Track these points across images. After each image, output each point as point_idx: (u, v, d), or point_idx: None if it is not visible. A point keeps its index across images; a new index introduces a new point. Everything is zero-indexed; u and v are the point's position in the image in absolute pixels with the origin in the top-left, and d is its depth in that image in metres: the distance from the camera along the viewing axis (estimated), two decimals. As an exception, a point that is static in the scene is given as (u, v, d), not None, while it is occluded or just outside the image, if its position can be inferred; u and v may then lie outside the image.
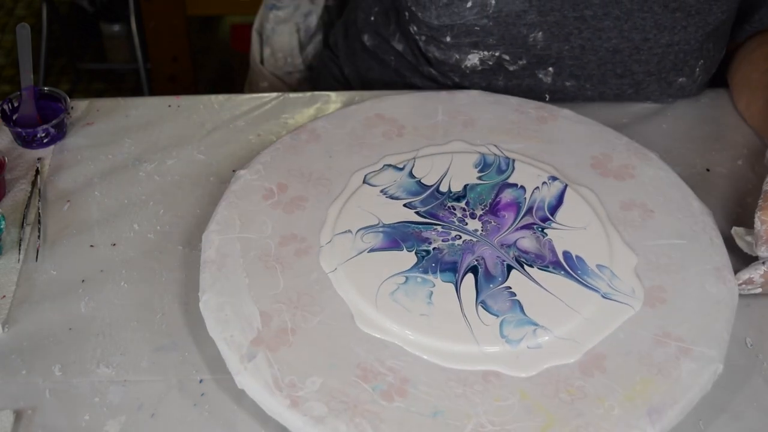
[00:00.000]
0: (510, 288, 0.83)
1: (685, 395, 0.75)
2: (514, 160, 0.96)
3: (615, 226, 0.90)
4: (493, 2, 1.00)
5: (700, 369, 0.77)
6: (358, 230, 0.88)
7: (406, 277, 0.84)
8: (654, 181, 0.95)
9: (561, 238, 0.88)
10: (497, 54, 1.06)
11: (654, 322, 0.81)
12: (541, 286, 0.83)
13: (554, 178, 0.94)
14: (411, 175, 0.94)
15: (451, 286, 0.83)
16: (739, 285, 0.85)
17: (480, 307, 0.81)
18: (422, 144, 0.99)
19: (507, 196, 0.92)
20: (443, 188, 0.93)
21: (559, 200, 0.92)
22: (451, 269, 0.84)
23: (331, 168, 0.96)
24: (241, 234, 0.88)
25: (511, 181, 0.94)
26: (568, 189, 0.93)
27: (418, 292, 0.82)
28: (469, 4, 1.01)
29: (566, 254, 0.86)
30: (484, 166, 0.96)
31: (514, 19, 1.01)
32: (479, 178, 0.94)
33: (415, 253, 0.86)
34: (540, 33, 1.02)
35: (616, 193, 0.93)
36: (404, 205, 0.91)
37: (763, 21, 1.09)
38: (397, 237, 0.87)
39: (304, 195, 0.92)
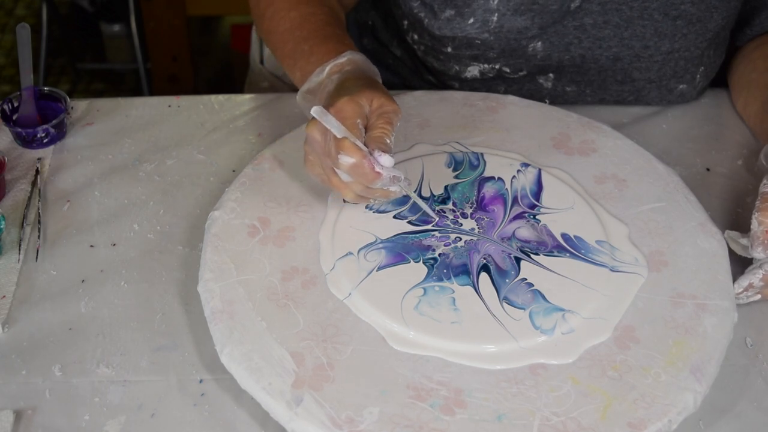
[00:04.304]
0: (525, 279, 0.84)
1: (717, 348, 0.79)
2: (482, 154, 0.97)
3: (597, 200, 0.93)
4: (495, 18, 1.00)
5: (721, 321, 0.81)
6: (360, 250, 0.86)
7: (424, 289, 0.83)
8: (616, 151, 0.99)
9: (554, 221, 0.90)
10: (497, 66, 1.05)
11: (664, 285, 0.85)
12: (553, 272, 0.85)
13: (526, 165, 0.96)
14: (389, 185, 0.93)
15: (470, 289, 0.83)
16: (740, 293, 0.85)
17: (505, 304, 0.82)
18: (387, 153, 0.98)
19: (489, 190, 0.93)
20: (425, 193, 0.93)
21: (539, 185, 0.94)
22: (463, 272, 0.84)
23: (306, 192, 0.93)
24: (240, 277, 0.84)
25: (487, 174, 0.95)
26: (542, 173, 0.95)
27: (440, 300, 0.82)
28: (471, 20, 1.00)
29: (565, 236, 0.88)
30: (455, 164, 0.96)
31: (516, 35, 1.01)
32: (456, 176, 0.95)
33: (423, 262, 0.85)
34: (539, 43, 1.02)
35: (586, 169, 0.96)
36: (394, 217, 0.90)
37: (764, 25, 1.09)
38: (399, 250, 0.86)
39: (289, 225, 0.90)
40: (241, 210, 0.91)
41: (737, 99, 1.10)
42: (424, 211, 0.90)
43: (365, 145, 0.81)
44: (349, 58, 0.91)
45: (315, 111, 0.80)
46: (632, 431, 0.73)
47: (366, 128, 0.83)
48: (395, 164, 0.82)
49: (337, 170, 0.82)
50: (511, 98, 1.06)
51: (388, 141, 0.82)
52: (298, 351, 0.78)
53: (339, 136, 0.80)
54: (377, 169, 0.80)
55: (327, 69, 0.91)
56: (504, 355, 0.78)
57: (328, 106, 0.83)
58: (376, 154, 0.81)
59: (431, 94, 1.06)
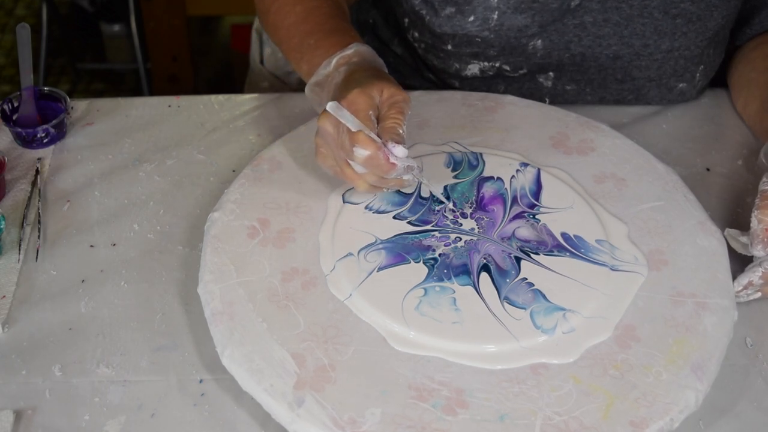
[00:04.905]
0: (526, 279, 0.84)
1: (717, 347, 0.79)
2: (481, 154, 0.97)
3: (596, 199, 0.93)
4: (495, 16, 1.00)
5: (721, 320, 0.81)
6: (360, 251, 0.86)
7: (425, 289, 0.83)
8: (614, 150, 0.99)
9: (554, 221, 0.90)
10: (497, 65, 1.06)
11: (664, 284, 0.85)
12: (553, 271, 0.85)
13: (525, 164, 0.96)
14: (388, 186, 0.93)
15: (471, 289, 0.83)
16: (740, 291, 0.85)
17: (506, 303, 0.82)
18: (386, 153, 0.98)
19: (488, 189, 0.93)
20: (425, 193, 0.92)
21: (538, 185, 0.94)
22: (464, 272, 0.84)
23: (305, 193, 0.93)
24: (240, 279, 0.84)
25: (486, 174, 0.95)
26: (541, 172, 0.95)
27: (441, 301, 0.82)
28: (472, 18, 1.00)
29: (565, 235, 0.88)
30: (455, 164, 0.96)
31: (516, 33, 1.01)
32: (455, 176, 0.95)
33: (423, 263, 0.85)
34: (539, 41, 1.02)
35: (585, 169, 0.96)
36: (394, 217, 0.90)
37: (763, 24, 1.09)
38: (399, 251, 0.86)
39: (289, 226, 0.89)
40: (241, 211, 0.90)
41: (737, 98, 1.10)
42: (424, 212, 0.90)
43: (378, 136, 0.82)
44: (355, 50, 0.91)
45: (330, 106, 0.81)
46: (634, 430, 0.73)
47: (377, 118, 0.84)
48: None
49: (350, 162, 0.83)
50: (509, 98, 1.06)
51: (401, 131, 0.83)
52: (299, 352, 0.78)
53: (354, 130, 0.81)
54: (392, 160, 0.81)
55: (334, 61, 0.91)
56: (505, 354, 0.78)
57: (338, 98, 0.83)
58: (390, 145, 0.81)
59: (430, 94, 1.07)
